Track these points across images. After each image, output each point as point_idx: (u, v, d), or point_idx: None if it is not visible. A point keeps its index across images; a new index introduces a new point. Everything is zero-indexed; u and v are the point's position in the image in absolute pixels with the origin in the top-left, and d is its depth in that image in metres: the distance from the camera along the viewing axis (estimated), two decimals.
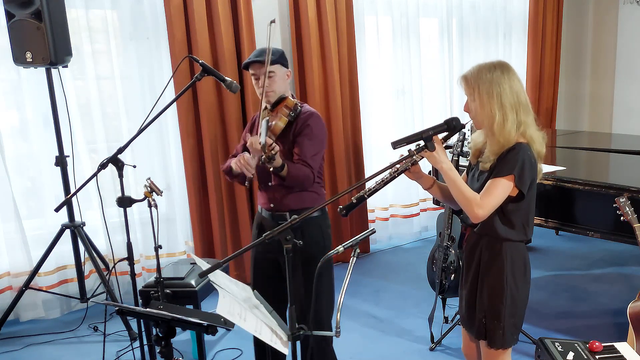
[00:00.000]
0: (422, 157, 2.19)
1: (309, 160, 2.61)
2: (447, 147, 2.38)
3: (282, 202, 2.68)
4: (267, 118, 2.59)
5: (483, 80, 2.13)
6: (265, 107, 2.68)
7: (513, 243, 2.22)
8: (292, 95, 2.72)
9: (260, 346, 2.87)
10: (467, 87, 2.18)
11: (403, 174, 2.22)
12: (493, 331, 2.24)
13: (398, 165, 2.20)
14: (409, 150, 2.17)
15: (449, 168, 2.15)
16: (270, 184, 2.67)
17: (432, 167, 2.26)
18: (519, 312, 2.27)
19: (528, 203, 2.20)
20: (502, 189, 2.12)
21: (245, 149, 2.85)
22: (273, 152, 2.42)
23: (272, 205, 2.71)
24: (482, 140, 2.27)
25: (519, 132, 2.14)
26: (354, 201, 2.16)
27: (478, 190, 2.16)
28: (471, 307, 2.32)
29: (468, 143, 3.29)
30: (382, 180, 2.21)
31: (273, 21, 2.45)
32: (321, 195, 2.76)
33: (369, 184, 2.22)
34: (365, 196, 2.18)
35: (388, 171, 2.22)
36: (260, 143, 2.41)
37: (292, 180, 2.56)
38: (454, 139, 3.29)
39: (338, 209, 2.16)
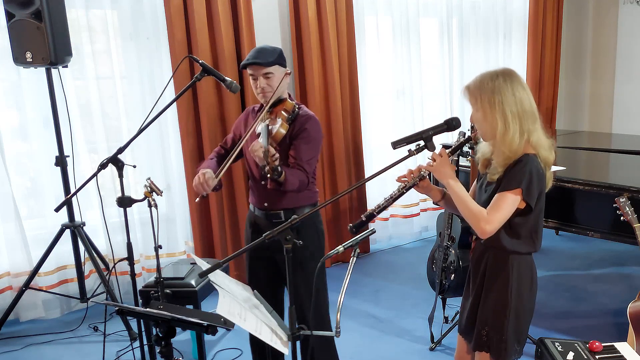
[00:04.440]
0: (429, 171, 2.18)
1: (305, 164, 2.60)
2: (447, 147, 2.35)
3: (276, 202, 2.67)
4: (267, 122, 2.58)
5: (485, 89, 2.07)
6: (262, 107, 2.67)
7: (520, 255, 2.17)
8: (290, 96, 2.71)
9: (257, 348, 2.87)
10: (470, 98, 2.12)
11: (412, 189, 2.21)
12: (496, 345, 2.19)
13: (407, 181, 2.19)
14: (409, 151, 2.15)
15: (455, 183, 2.12)
16: (263, 183, 2.65)
17: (433, 176, 2.23)
18: (523, 325, 2.23)
19: (536, 215, 2.14)
20: (509, 203, 2.06)
21: (233, 140, 2.84)
22: (276, 163, 2.40)
23: (265, 204, 2.70)
24: (489, 150, 2.21)
25: (524, 140, 2.07)
26: (364, 219, 2.16)
27: (486, 202, 2.12)
28: (472, 319, 2.27)
29: (468, 143, 3.30)
30: (391, 197, 2.20)
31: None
32: (314, 192, 2.76)
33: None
34: (375, 213, 2.18)
35: (396, 187, 2.21)
36: (262, 148, 2.40)
37: (289, 186, 2.54)
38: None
39: (348, 227, 2.16)
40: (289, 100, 2.66)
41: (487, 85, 2.07)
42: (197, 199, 2.68)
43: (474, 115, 2.14)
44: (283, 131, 2.59)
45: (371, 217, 2.17)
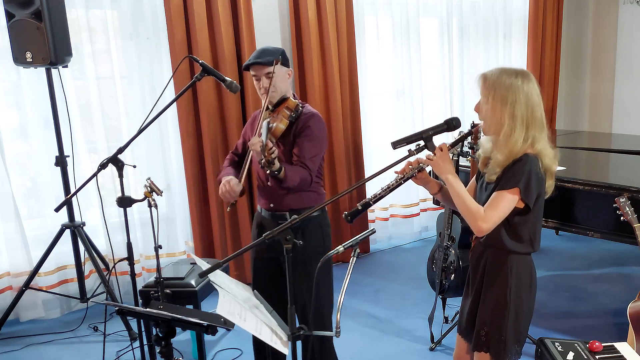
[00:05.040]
0: (428, 165, 2.17)
1: (308, 161, 2.61)
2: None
3: (282, 202, 2.68)
4: (268, 119, 2.59)
5: (501, 84, 2.05)
6: (267, 107, 2.68)
7: (519, 255, 2.17)
8: (294, 96, 2.72)
9: (259, 348, 2.87)
10: (483, 87, 2.10)
11: (410, 180, 2.20)
12: (495, 345, 2.18)
13: (405, 172, 2.18)
14: (409, 151, 2.15)
15: (453, 179, 2.11)
16: (268, 183, 2.67)
17: (432, 171, 2.23)
18: (522, 325, 2.22)
19: (535, 215, 2.13)
20: (507, 202, 2.05)
21: (243, 144, 2.86)
22: (272, 155, 2.41)
23: (271, 205, 2.71)
24: (490, 147, 2.19)
25: (526, 145, 2.06)
26: (359, 207, 2.14)
27: (485, 201, 2.11)
28: (472, 319, 2.27)
29: (468, 143, 3.30)
30: (388, 187, 2.19)
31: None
32: (321, 194, 2.76)
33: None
34: (371, 202, 2.17)
35: (394, 177, 2.20)
36: (260, 142, 2.41)
37: (289, 182, 2.55)
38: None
39: (343, 215, 2.14)
40: (292, 99, 2.67)
41: (505, 81, 2.05)
42: (228, 208, 2.67)
43: (482, 106, 2.12)
44: (282, 126, 2.60)
45: (367, 206, 2.16)
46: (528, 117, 2.05)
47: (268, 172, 2.48)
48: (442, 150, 2.14)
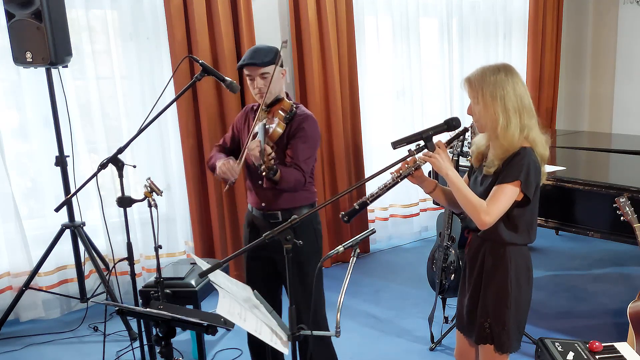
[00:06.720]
0: (426, 162, 2.18)
1: (302, 164, 2.61)
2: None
3: (274, 202, 2.67)
4: (264, 121, 2.58)
5: (487, 82, 2.11)
6: (260, 107, 2.66)
7: (517, 247, 2.21)
8: (288, 96, 2.71)
9: (255, 349, 2.87)
10: (470, 90, 2.16)
11: (405, 178, 2.21)
12: (499, 336, 2.22)
13: (401, 170, 2.19)
14: (409, 150, 2.17)
15: (454, 175, 2.13)
16: (260, 182, 2.66)
17: (432, 170, 2.24)
18: (522, 316, 2.26)
19: (532, 207, 2.18)
20: (508, 195, 2.09)
21: (232, 138, 2.84)
22: (272, 162, 2.41)
23: (263, 204, 2.70)
24: (484, 143, 2.24)
25: (523, 135, 2.11)
26: (357, 207, 2.15)
27: (481, 195, 2.14)
28: (473, 313, 2.29)
29: (468, 143, 3.30)
30: (385, 186, 2.19)
31: (285, 42, 2.55)
32: (312, 192, 2.76)
33: (372, 189, 2.21)
34: (368, 202, 2.17)
35: (390, 176, 2.20)
36: (258, 147, 2.40)
37: (284, 184, 2.55)
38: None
39: (340, 215, 2.15)
40: (286, 99, 2.67)
41: (489, 79, 2.11)
42: (226, 188, 2.67)
43: (473, 107, 2.17)
44: (280, 130, 2.60)
45: (364, 205, 2.16)
46: (519, 106, 2.10)
47: (264, 174, 2.48)
48: (439, 148, 2.16)
